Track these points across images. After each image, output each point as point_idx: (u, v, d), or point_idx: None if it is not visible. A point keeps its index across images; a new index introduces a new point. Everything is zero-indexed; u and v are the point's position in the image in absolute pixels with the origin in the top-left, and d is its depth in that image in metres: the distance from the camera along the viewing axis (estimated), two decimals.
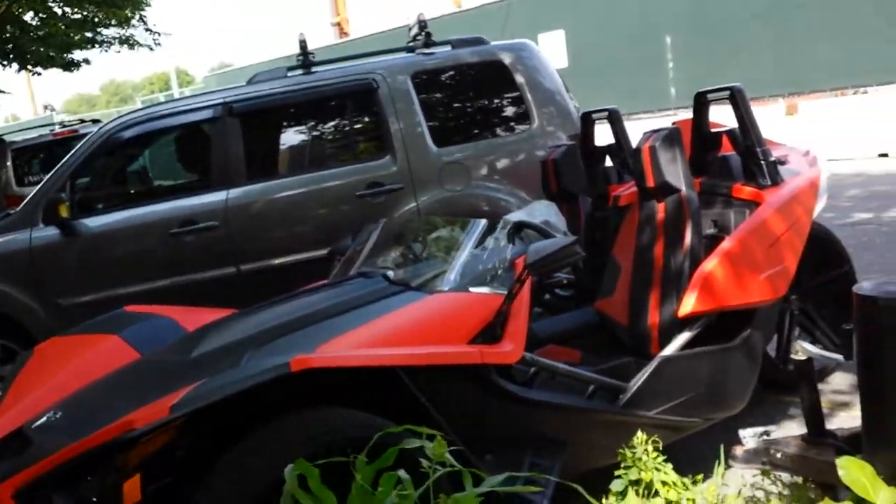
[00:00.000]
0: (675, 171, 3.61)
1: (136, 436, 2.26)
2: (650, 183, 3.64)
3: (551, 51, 18.69)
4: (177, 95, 45.07)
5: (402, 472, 1.80)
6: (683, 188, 3.61)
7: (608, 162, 4.59)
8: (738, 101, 3.77)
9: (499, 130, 5.92)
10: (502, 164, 5.82)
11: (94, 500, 2.35)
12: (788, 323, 4.22)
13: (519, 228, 3.97)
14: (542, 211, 4.35)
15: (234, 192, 5.35)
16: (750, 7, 15.14)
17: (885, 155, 11.62)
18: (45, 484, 2.35)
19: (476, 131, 5.92)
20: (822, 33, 14.03)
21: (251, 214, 5.39)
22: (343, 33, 34.26)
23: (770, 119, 13.72)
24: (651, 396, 3.28)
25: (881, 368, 2.35)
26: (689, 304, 3.35)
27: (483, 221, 3.49)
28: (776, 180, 3.73)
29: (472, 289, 3.22)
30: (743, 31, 15.32)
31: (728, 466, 3.17)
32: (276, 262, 5.36)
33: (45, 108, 23.80)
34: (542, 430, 3.06)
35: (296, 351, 2.69)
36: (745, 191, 3.74)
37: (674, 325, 3.50)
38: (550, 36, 18.75)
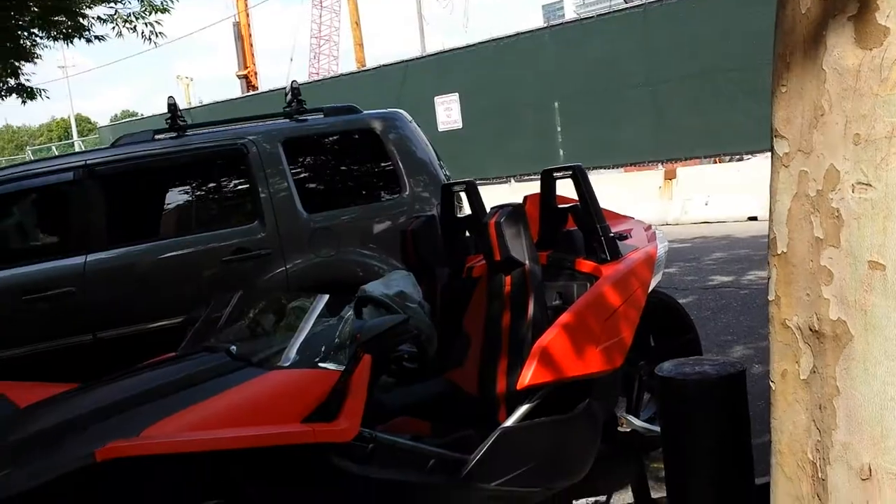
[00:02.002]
0: (520, 246, 3.72)
1: None
2: (496, 256, 3.74)
3: (447, 112, 19.05)
4: (76, 145, 43.94)
5: None
6: (527, 262, 3.71)
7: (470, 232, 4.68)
8: (579, 179, 3.92)
9: (370, 197, 5.99)
10: (374, 230, 5.87)
11: None
12: (637, 388, 4.34)
13: (364, 302, 4.00)
14: (399, 281, 4.38)
15: (94, 257, 5.23)
16: (633, 78, 15.80)
17: (755, 218, 12.16)
18: None
19: (347, 198, 5.96)
20: (698, 104, 14.73)
21: (111, 280, 5.26)
22: (251, 86, 34.13)
23: (649, 183, 14.26)
24: (492, 468, 3.32)
25: (682, 444, 2.46)
26: (527, 376, 3.42)
27: (326, 296, 3.51)
28: (615, 255, 3.87)
29: (319, 364, 3.22)
30: (626, 100, 15.94)
31: None
32: (137, 329, 5.23)
33: None
34: None
35: (122, 434, 2.63)
36: (587, 265, 3.87)
37: (517, 397, 3.56)
38: (446, 98, 19.09)
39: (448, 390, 3.99)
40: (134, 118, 39.60)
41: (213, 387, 3.10)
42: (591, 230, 3.94)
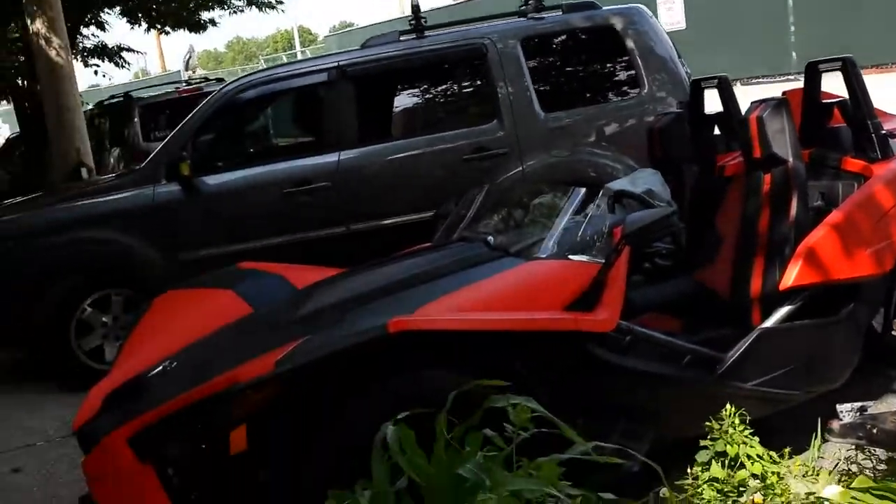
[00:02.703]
0: (783, 142, 3.56)
1: (243, 388, 2.41)
2: (757, 153, 3.60)
3: (669, 13, 18.25)
4: (299, 54, 45.74)
5: (487, 431, 1.88)
6: (791, 159, 3.55)
7: (717, 130, 4.53)
8: (849, 71, 3.68)
9: (608, 96, 5.91)
10: (610, 130, 5.80)
11: (203, 447, 2.52)
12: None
13: (619, 197, 3.97)
14: (646, 179, 4.32)
15: (346, 154, 5.51)
16: None
17: None
18: (157, 431, 2.52)
19: (585, 97, 5.92)
20: None
21: (361, 176, 5.53)
22: None
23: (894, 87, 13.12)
24: (749, 368, 3.27)
25: None
26: (791, 276, 3.32)
27: (583, 189, 3.52)
28: (887, 154, 3.63)
29: (570, 256, 3.26)
30: None
31: (824, 440, 3.15)
32: (384, 223, 5.50)
33: (188, 53, 24.40)
34: (635, 398, 3.10)
35: (396, 312, 2.79)
36: (855, 164, 3.66)
37: (776, 298, 3.47)
38: None
39: (697, 290, 3.93)
40: (352, 28, 40.58)
41: (476, 273, 3.21)
42: (861, 127, 3.70)
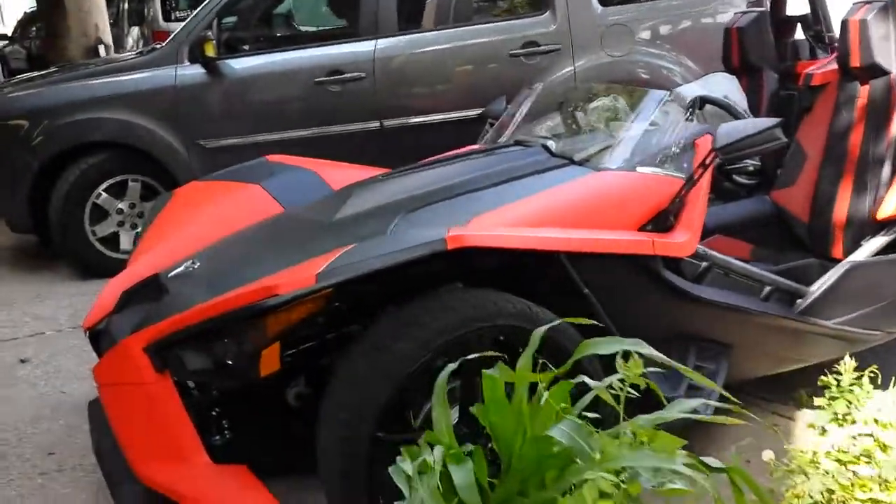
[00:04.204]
0: (887, 50, 3.14)
1: (280, 303, 2.08)
2: (855, 62, 3.18)
3: None
4: None
5: (593, 381, 1.53)
6: (895, 70, 3.14)
7: (799, 34, 4.10)
8: None
9: None
10: (670, 29, 5.38)
11: (229, 363, 2.21)
12: None
13: (701, 104, 3.55)
14: (721, 85, 3.92)
15: (383, 43, 5.10)
16: None
17: None
18: (177, 340, 2.23)
19: None
20: None
21: (399, 68, 5.16)
22: None
23: None
24: (834, 304, 2.94)
25: None
26: (892, 204, 2.96)
27: (664, 93, 3.11)
28: None
29: (641, 169, 2.88)
30: None
31: None
32: (422, 119, 5.15)
33: None
34: (708, 331, 2.77)
35: (446, 222, 2.43)
36: None
37: (865, 227, 3.12)
38: None
39: (772, 212, 3.57)
40: None
41: (535, 183, 2.83)
42: None
